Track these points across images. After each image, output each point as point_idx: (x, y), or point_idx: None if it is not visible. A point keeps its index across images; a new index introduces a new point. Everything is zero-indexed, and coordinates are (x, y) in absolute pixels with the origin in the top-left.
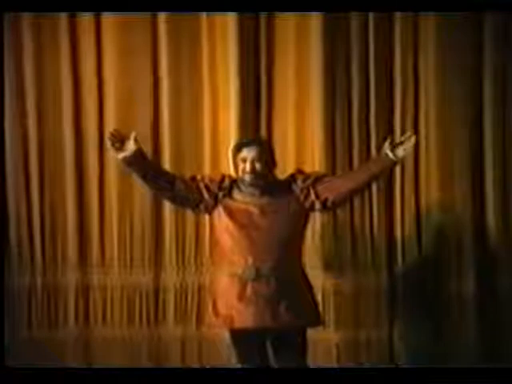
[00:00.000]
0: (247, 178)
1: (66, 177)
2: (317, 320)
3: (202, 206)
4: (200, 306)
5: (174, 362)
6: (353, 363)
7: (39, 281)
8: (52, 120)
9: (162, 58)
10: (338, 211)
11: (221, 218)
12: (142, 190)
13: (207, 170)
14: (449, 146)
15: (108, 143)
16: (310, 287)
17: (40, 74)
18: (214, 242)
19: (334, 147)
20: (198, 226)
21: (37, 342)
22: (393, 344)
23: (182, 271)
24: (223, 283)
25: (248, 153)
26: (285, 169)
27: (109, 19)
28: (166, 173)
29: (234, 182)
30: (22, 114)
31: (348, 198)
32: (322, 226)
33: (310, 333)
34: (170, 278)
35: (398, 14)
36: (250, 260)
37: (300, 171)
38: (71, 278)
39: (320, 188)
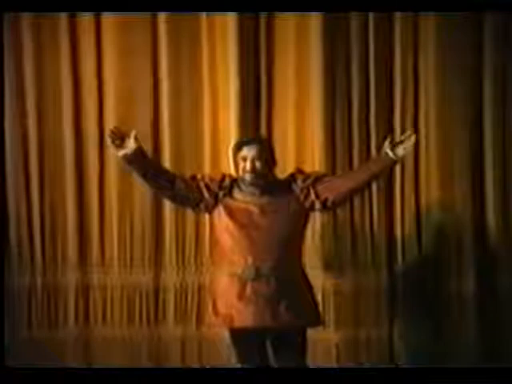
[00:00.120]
0: (247, 176)
1: (66, 177)
2: (317, 320)
3: (202, 206)
4: (200, 305)
5: (174, 361)
6: (353, 363)
7: (39, 281)
8: (52, 120)
9: (162, 58)
10: (338, 211)
11: (221, 217)
12: (141, 190)
13: (207, 170)
14: (449, 146)
15: (108, 140)
16: (309, 287)
17: (40, 74)
18: (213, 241)
19: (334, 147)
20: (198, 225)
21: (37, 342)
22: (393, 344)
23: (181, 271)
24: (223, 283)
25: (248, 151)
26: (285, 168)
27: (109, 19)
28: (167, 171)
29: (235, 182)
30: (22, 114)
31: (348, 198)
32: (322, 225)
33: (310, 333)
34: (170, 277)
35: (397, 14)
36: (250, 259)
37: (300, 171)
38: (71, 277)
39: (320, 188)
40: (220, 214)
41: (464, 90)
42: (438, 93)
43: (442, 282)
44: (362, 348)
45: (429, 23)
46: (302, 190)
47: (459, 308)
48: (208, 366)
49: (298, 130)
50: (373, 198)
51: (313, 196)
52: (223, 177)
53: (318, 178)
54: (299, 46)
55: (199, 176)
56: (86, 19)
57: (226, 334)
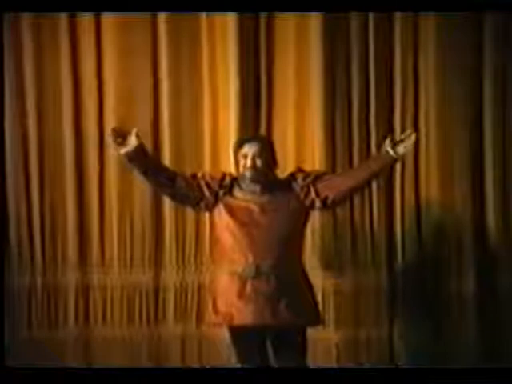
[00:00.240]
0: (248, 173)
1: (66, 177)
2: (317, 319)
3: (202, 204)
4: (200, 304)
5: (174, 361)
6: (353, 363)
7: (39, 281)
8: (52, 120)
9: (162, 58)
10: (338, 210)
11: (221, 215)
12: (141, 190)
13: (207, 170)
14: (449, 146)
15: (109, 139)
16: (310, 286)
17: (40, 74)
18: (214, 239)
19: (334, 147)
20: (198, 224)
21: (37, 342)
22: (393, 343)
23: (181, 270)
24: (223, 281)
25: (249, 149)
26: (285, 168)
27: (109, 19)
28: (167, 169)
29: (235, 180)
30: (22, 114)
31: (348, 196)
32: (322, 224)
33: (310, 332)
34: (170, 277)
35: (397, 14)
36: (250, 258)
37: (300, 169)
38: (71, 277)
39: (320, 186)
40: (220, 212)
41: (464, 90)
42: (438, 93)
43: (442, 282)
44: (362, 348)
45: (429, 23)
46: (302, 188)
47: (459, 308)
48: (208, 366)
49: (298, 130)
50: (373, 197)
51: (313, 194)
52: (224, 175)
53: (318, 177)
54: (299, 45)
55: (200, 174)
56: (86, 19)
57: (226, 334)
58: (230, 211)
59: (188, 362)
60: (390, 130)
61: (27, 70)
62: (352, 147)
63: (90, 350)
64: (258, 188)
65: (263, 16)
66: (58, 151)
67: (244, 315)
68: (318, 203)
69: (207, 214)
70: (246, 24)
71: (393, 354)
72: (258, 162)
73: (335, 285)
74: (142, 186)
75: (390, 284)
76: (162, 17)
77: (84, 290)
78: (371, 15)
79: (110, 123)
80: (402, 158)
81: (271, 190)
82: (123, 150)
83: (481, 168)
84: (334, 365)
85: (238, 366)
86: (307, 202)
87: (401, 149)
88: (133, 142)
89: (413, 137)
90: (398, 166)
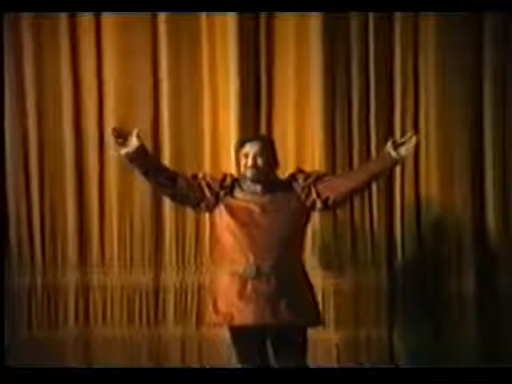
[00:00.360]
0: (249, 172)
1: (66, 177)
2: (317, 319)
3: (203, 205)
4: (200, 305)
5: (174, 361)
6: (353, 363)
7: (39, 281)
8: (52, 120)
9: (162, 58)
10: (338, 211)
11: (222, 216)
12: (141, 190)
13: (207, 170)
14: (449, 146)
15: (110, 139)
16: (310, 286)
17: (40, 74)
18: (214, 240)
19: (334, 147)
20: (198, 225)
21: (37, 342)
22: (393, 343)
23: (181, 271)
24: (224, 281)
25: (250, 148)
26: (285, 168)
27: (109, 19)
28: (168, 170)
29: (236, 181)
30: (22, 114)
31: (348, 198)
32: (322, 225)
33: (310, 332)
34: (170, 277)
35: (397, 14)
36: (251, 258)
37: (300, 170)
38: (71, 278)
39: (321, 187)
40: (221, 212)
41: (464, 90)
42: (438, 93)
43: (441, 282)
44: (362, 348)
45: (429, 23)
46: (303, 188)
47: (459, 308)
48: (208, 366)
49: (298, 130)
50: (373, 197)
51: (314, 195)
52: (225, 176)
53: (318, 177)
54: (299, 45)
55: (200, 175)
56: (85, 19)
57: (226, 335)
58: (231, 211)
59: (188, 362)
60: (390, 130)
61: (27, 70)
62: (352, 147)
63: (89, 350)
64: (258, 188)
65: (263, 16)
66: (57, 151)
67: (244, 315)
68: (319, 204)
69: (207, 215)
70: (246, 24)
71: (393, 353)
72: (259, 161)
73: (335, 285)
74: (142, 187)
75: (389, 284)
76: (161, 17)
77: (84, 290)
78: (371, 15)
79: (110, 123)
80: (403, 159)
81: (272, 190)
82: (124, 151)
83: (481, 168)
84: (334, 365)
85: (238, 366)
86: (308, 203)
87: (403, 151)
88: (134, 142)
89: (413, 139)
90: (398, 166)
